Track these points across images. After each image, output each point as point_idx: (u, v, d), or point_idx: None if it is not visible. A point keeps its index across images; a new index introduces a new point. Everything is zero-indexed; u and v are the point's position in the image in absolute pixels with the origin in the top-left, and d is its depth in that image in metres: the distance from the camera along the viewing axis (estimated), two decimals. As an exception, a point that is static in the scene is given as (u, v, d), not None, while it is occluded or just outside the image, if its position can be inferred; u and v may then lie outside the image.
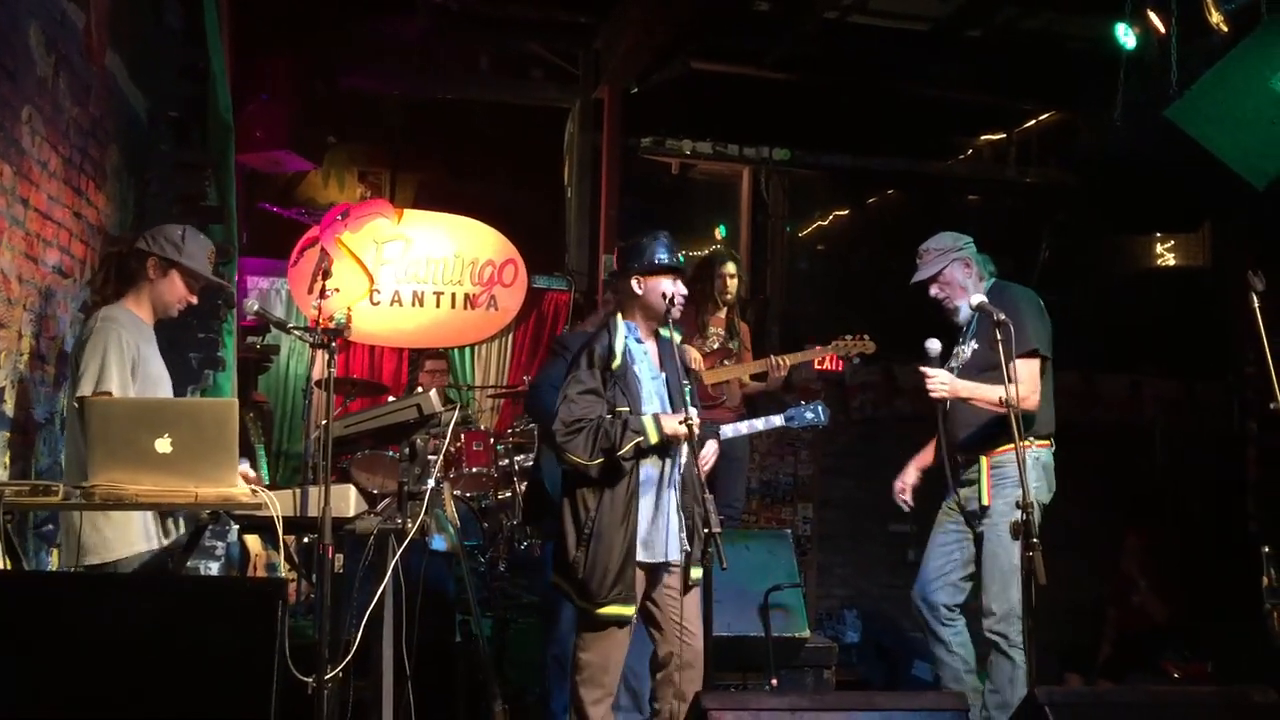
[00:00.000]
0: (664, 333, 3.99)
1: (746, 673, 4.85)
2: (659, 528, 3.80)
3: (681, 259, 3.94)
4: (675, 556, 3.80)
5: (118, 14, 5.26)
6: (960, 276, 4.52)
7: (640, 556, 3.75)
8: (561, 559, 3.84)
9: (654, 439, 3.68)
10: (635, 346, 3.90)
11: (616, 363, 3.81)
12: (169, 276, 3.83)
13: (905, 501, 4.73)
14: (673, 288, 3.87)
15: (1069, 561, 7.35)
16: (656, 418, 3.72)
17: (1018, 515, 4.21)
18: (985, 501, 4.37)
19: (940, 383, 4.22)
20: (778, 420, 5.32)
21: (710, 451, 4.01)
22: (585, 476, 3.76)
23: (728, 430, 5.03)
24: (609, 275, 4.14)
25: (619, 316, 3.94)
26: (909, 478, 4.74)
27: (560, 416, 3.76)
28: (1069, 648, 7.44)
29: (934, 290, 4.57)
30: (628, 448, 3.67)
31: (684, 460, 3.83)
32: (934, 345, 4.20)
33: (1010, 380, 3.85)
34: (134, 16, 5.61)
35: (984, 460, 4.40)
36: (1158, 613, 7.34)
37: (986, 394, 4.22)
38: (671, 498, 3.81)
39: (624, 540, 3.71)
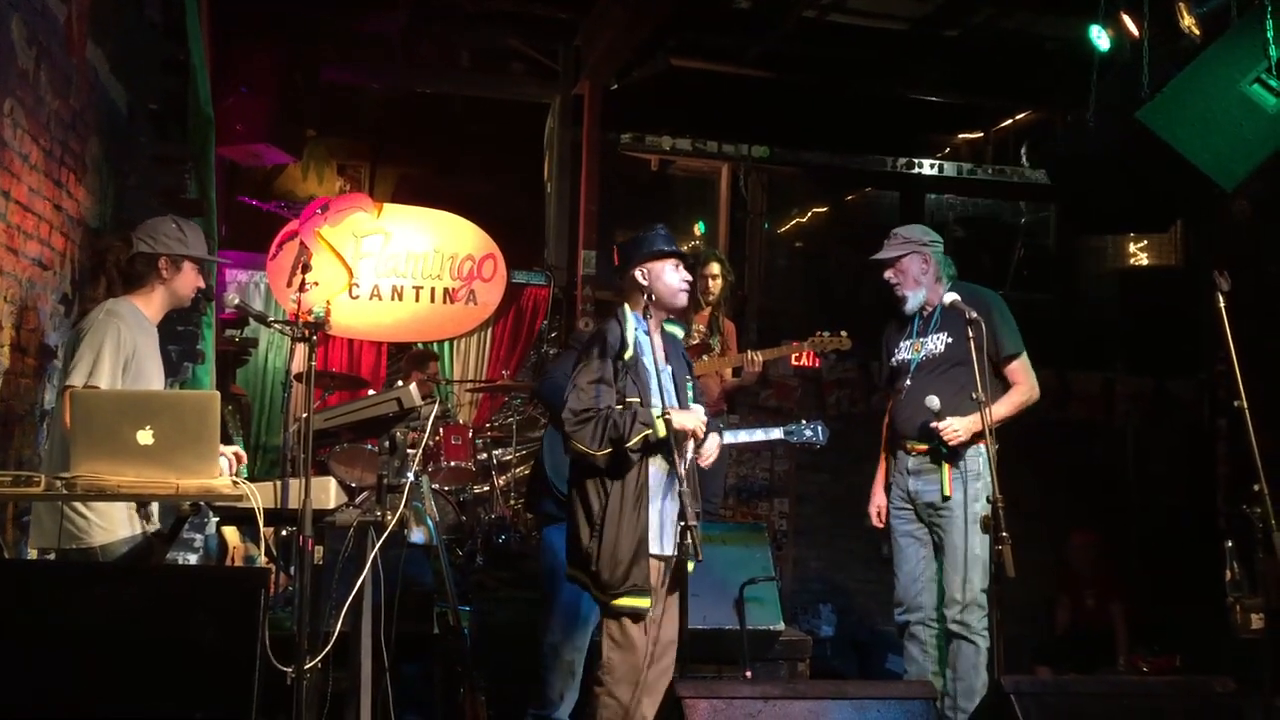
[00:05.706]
0: (671, 329, 4.00)
1: (721, 665, 4.90)
2: (666, 521, 3.76)
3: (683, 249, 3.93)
4: (670, 550, 3.75)
5: (99, 7, 5.26)
6: (916, 270, 4.62)
7: (653, 549, 3.72)
8: (575, 551, 3.79)
9: (662, 433, 3.61)
10: (644, 339, 3.84)
11: (629, 353, 3.77)
12: (182, 270, 3.92)
13: (880, 524, 4.77)
14: (676, 273, 3.87)
15: (1041, 557, 7.51)
16: (667, 413, 3.62)
17: (976, 507, 4.33)
18: (947, 493, 4.44)
19: (955, 430, 4.36)
20: (776, 433, 5.41)
21: (713, 446, 3.91)
22: (594, 467, 3.70)
23: (729, 436, 5.06)
24: (614, 272, 4.14)
25: (627, 308, 3.89)
26: (878, 499, 4.78)
27: (570, 405, 3.71)
28: (1040, 640, 7.53)
29: (888, 274, 4.67)
30: (635, 440, 3.62)
31: (690, 456, 3.80)
32: (934, 401, 4.36)
33: (985, 376, 4.01)
34: (115, 9, 5.60)
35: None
36: (1112, 610, 7.42)
37: (1000, 415, 4.31)
38: (674, 491, 3.70)
39: (635, 531, 3.67)
